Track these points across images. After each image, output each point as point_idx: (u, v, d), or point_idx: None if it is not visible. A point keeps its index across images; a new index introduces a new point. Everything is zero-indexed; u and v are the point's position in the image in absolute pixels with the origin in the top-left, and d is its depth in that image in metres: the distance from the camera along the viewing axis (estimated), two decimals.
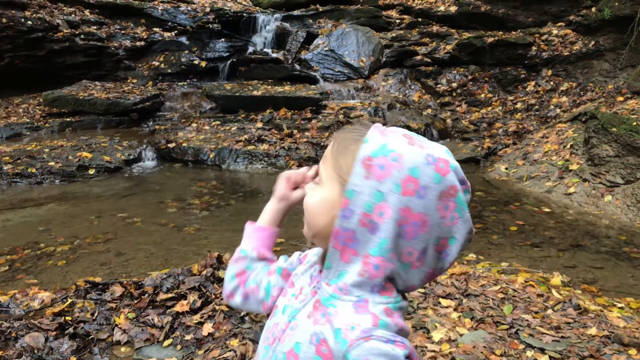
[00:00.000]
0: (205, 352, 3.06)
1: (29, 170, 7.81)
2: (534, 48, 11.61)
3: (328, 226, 1.05)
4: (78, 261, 4.92)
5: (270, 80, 11.74)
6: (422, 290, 3.81)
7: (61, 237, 5.51)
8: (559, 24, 12.03)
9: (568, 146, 7.59)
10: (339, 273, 1.06)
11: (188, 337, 3.22)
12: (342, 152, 1.04)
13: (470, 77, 11.84)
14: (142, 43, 12.61)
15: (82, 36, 11.84)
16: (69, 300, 3.64)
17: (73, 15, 12.27)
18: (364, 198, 0.99)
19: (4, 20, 10.72)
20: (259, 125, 9.67)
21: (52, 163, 8.03)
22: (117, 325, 3.35)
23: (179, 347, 3.15)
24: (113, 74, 12.26)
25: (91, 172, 8.09)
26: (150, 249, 5.20)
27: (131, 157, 8.73)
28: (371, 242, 1.01)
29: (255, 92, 10.57)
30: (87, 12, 12.72)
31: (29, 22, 11.08)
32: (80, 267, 4.76)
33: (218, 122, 10.09)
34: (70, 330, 3.26)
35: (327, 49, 12.31)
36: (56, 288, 3.97)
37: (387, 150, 0.99)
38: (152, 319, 3.40)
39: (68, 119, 10.15)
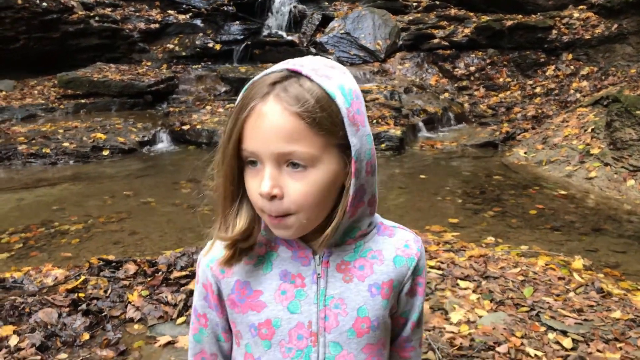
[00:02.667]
0: None
1: (44, 151, 7.80)
2: (554, 31, 11.38)
3: (332, 200, 1.00)
4: (91, 240, 4.89)
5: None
6: (440, 272, 3.74)
7: (75, 216, 5.49)
8: (581, 7, 11.76)
9: (589, 130, 7.43)
10: (346, 231, 1.04)
11: None
12: (325, 120, 0.94)
13: (488, 61, 11.65)
14: (157, 25, 12.55)
15: (96, 18, 11.80)
16: (82, 278, 3.61)
17: None
18: (364, 149, 0.99)
19: (19, 1, 10.70)
20: None
21: (66, 144, 8.02)
22: (130, 303, 3.31)
23: None
24: (127, 57, 12.22)
25: (105, 153, 8.07)
26: (164, 229, 5.16)
27: (145, 138, 8.70)
28: (373, 182, 1.04)
29: None
30: None
31: (44, 4, 11.04)
32: (94, 245, 4.73)
33: (232, 105, 9.93)
34: (83, 306, 3.22)
35: (342, 31, 12.16)
36: (69, 265, 3.95)
37: (348, 92, 0.98)
38: (166, 297, 3.36)
39: (82, 101, 10.13)
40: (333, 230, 1.00)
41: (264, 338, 1.05)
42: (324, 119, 0.94)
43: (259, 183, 0.95)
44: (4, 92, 10.70)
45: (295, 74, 0.96)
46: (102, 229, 5.16)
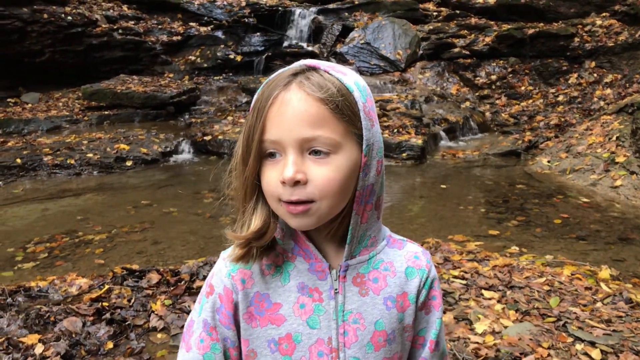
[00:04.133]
0: None
1: (68, 162, 7.91)
2: (576, 39, 11.28)
3: (349, 195, 1.00)
4: (115, 249, 4.93)
5: None
6: (464, 282, 3.70)
7: (99, 226, 5.54)
8: (603, 14, 11.65)
9: (614, 138, 7.32)
10: (360, 238, 1.04)
11: None
12: (346, 107, 0.96)
13: (510, 70, 11.57)
14: (179, 38, 12.70)
15: (120, 31, 11.98)
16: (106, 287, 3.64)
17: (111, 11, 12.43)
18: (376, 146, 1.00)
19: (45, 15, 10.91)
20: None
21: (90, 155, 8.13)
22: (153, 312, 3.32)
23: None
24: (150, 69, 12.38)
25: (128, 163, 8.15)
26: (187, 238, 5.19)
27: (168, 149, 8.78)
28: (382, 184, 1.04)
29: None
30: (124, 7, 12.88)
31: (69, 18, 11.25)
32: (117, 255, 4.77)
33: None
34: (107, 315, 3.24)
35: (362, 42, 12.18)
36: (93, 275, 3.98)
37: (363, 89, 1.00)
38: (188, 306, 3.37)
39: (106, 112, 10.28)
40: (340, 223, 1.01)
41: (284, 354, 1.02)
42: (345, 106, 0.95)
43: (280, 172, 0.95)
44: (29, 105, 10.90)
45: (313, 68, 0.98)
46: (125, 239, 5.20)
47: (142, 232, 5.41)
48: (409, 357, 1.18)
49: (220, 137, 9.03)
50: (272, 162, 0.97)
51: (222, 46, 12.69)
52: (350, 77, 0.98)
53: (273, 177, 0.96)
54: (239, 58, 12.45)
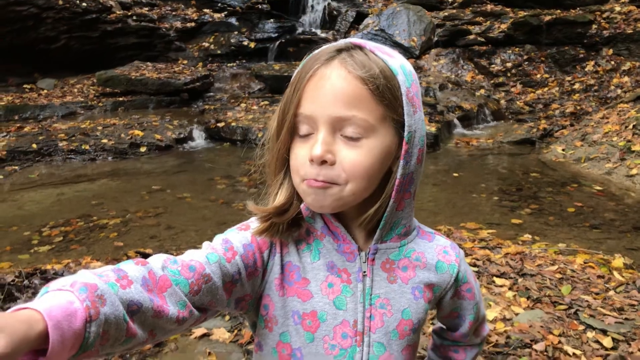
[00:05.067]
0: None
1: (83, 147, 7.98)
2: (594, 26, 11.12)
3: (376, 182, 0.98)
4: (129, 234, 4.98)
5: None
6: (475, 269, 3.69)
7: (113, 211, 5.60)
8: (622, 0, 11.46)
9: (630, 126, 7.23)
10: (392, 225, 1.02)
11: None
12: (387, 91, 0.92)
13: (525, 57, 11.45)
14: (193, 24, 12.71)
15: (134, 17, 12.01)
16: None
17: None
18: (418, 134, 0.97)
19: (60, 2, 10.96)
20: None
21: (105, 140, 8.19)
22: None
23: (227, 317, 3.13)
24: (164, 55, 12.41)
25: (142, 149, 8.21)
26: (200, 224, 5.22)
27: (181, 135, 8.82)
28: (420, 174, 1.01)
29: None
30: None
31: (84, 4, 11.29)
32: (131, 239, 4.81)
33: (266, 102, 10.09)
34: None
35: (377, 28, 12.11)
36: (108, 259, 4.02)
37: (409, 73, 0.97)
38: None
39: (120, 99, 10.34)
40: (376, 211, 0.98)
41: (307, 329, 1.01)
42: (386, 89, 0.92)
43: (309, 149, 0.92)
44: (45, 91, 10.99)
45: (359, 47, 0.95)
46: (139, 224, 5.25)
47: (156, 217, 5.46)
48: (446, 324, 1.23)
49: (233, 124, 9.05)
50: (303, 138, 0.95)
51: (236, 33, 12.68)
52: (396, 60, 0.95)
53: (301, 154, 0.94)
54: (252, 45, 12.44)
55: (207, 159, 8.19)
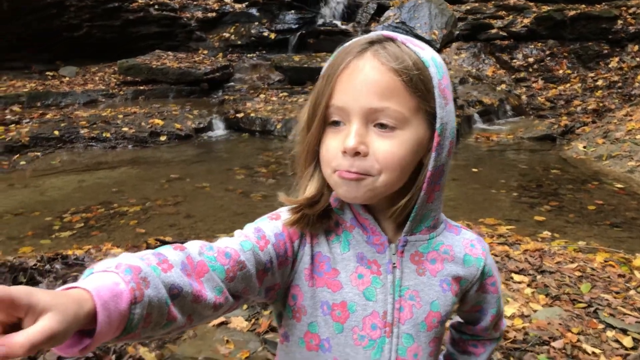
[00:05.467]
0: (270, 312, 3.06)
1: (104, 135, 8.06)
2: (619, 22, 10.94)
3: (408, 174, 0.98)
4: (148, 221, 5.03)
5: None
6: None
7: (133, 199, 5.66)
8: None
9: None
10: (422, 217, 1.02)
11: None
12: (420, 82, 0.93)
13: (548, 52, 11.31)
14: (214, 14, 12.74)
15: (155, 7, 12.07)
16: None
17: None
18: (450, 126, 0.97)
19: None
20: None
21: (125, 129, 8.26)
22: None
23: (244, 306, 3.16)
24: (185, 45, 12.46)
25: (162, 138, 8.27)
26: (218, 213, 5.26)
27: (201, 125, 8.87)
28: (449, 167, 1.01)
29: (323, 64, 10.38)
30: None
31: None
32: (151, 227, 4.86)
33: (286, 94, 10.10)
34: None
35: (398, 20, 12.04)
36: (128, 245, 4.07)
37: (440, 66, 0.97)
38: None
39: (141, 87, 10.41)
40: (406, 203, 0.98)
41: (336, 320, 1.01)
42: (419, 81, 0.92)
43: (341, 141, 0.93)
44: (67, 78, 11.10)
45: (390, 39, 0.95)
46: (158, 212, 5.30)
47: (175, 205, 5.51)
48: (467, 318, 1.24)
49: (252, 114, 9.07)
50: (334, 129, 0.95)
51: (256, 23, 12.68)
52: (427, 52, 0.96)
53: (333, 145, 0.94)
54: (272, 36, 12.43)
55: (226, 149, 8.24)
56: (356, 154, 0.91)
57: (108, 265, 0.74)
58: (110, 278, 0.71)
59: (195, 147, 8.21)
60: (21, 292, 0.62)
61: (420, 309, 1.03)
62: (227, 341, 2.87)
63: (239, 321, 3.04)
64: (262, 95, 10.17)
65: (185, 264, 0.83)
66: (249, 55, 12.31)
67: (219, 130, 9.08)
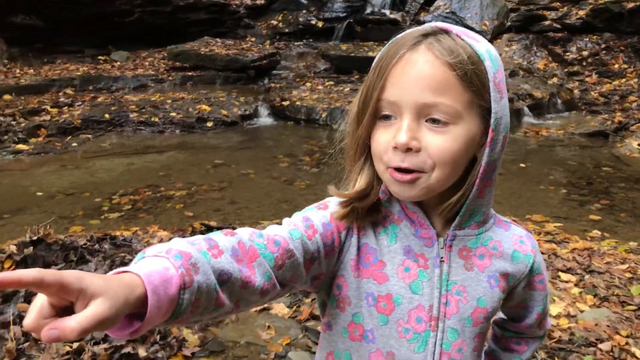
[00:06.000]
0: (312, 300, 3.07)
1: (152, 120, 8.22)
2: None
3: (460, 170, 0.96)
4: (194, 206, 5.12)
5: (386, 42, 11.49)
6: None
7: (179, 183, 5.76)
8: None
9: None
10: (472, 212, 1.01)
11: None
12: (475, 77, 0.90)
13: (603, 46, 10.94)
14: (262, 2, 12.81)
15: None
16: None
17: None
18: (504, 120, 0.95)
19: None
20: None
21: (173, 114, 8.40)
22: None
23: (287, 293, 3.18)
24: (233, 32, 12.57)
25: (209, 124, 8.37)
26: (262, 200, 5.30)
27: (247, 112, 8.94)
28: (501, 161, 0.99)
29: (370, 53, 10.42)
30: None
31: None
32: (196, 211, 4.94)
33: (332, 83, 10.08)
34: None
35: (448, 10, 11.85)
36: (174, 228, 4.15)
37: (495, 59, 0.94)
38: None
39: (189, 73, 10.57)
40: (458, 199, 0.97)
41: (381, 312, 1.01)
42: (474, 75, 0.90)
43: (392, 136, 0.91)
44: (118, 63, 11.35)
45: (445, 31, 0.93)
46: (204, 197, 5.39)
47: (220, 191, 5.58)
48: (512, 315, 1.22)
49: (298, 103, 9.10)
50: (385, 124, 0.94)
51: (304, 11, 12.68)
52: (482, 45, 0.93)
53: (384, 140, 0.93)
54: (320, 24, 12.41)
55: (271, 136, 8.30)
56: (408, 150, 0.90)
57: (159, 250, 0.75)
58: (161, 263, 0.72)
59: (240, 133, 8.29)
60: (72, 276, 0.63)
61: (467, 304, 1.02)
62: (269, 327, 2.90)
63: (280, 308, 3.06)
64: (308, 84, 10.19)
65: (236, 249, 0.84)
66: (295, 43, 12.34)
67: (264, 117, 9.14)
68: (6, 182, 5.97)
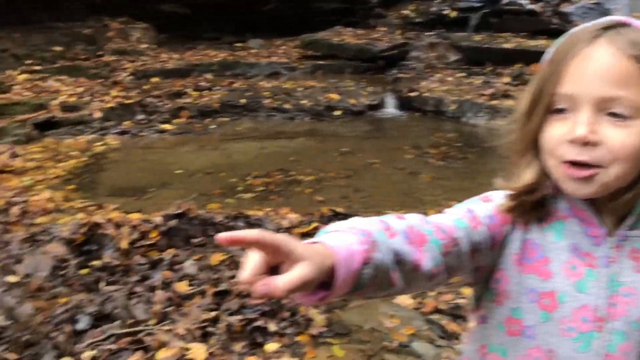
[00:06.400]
0: (437, 293, 3.10)
1: (284, 106, 8.54)
2: None
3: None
4: (322, 191, 5.28)
5: (523, 34, 11.04)
6: None
7: (308, 169, 5.95)
8: None
9: None
10: None
11: None
12: None
13: None
14: None
15: None
16: (314, 224, 3.95)
17: None
18: None
19: None
20: (506, 80, 9.20)
21: (304, 101, 8.67)
22: None
23: (449, 281, 3.22)
24: (364, 21, 12.63)
25: (337, 113, 8.54)
26: (387, 190, 5.36)
27: (374, 102, 8.99)
28: None
29: (505, 45, 10.07)
30: None
31: None
32: (324, 196, 5.09)
33: (463, 74, 9.87)
34: None
35: (593, 2, 11.13)
36: (303, 212, 4.32)
37: None
38: None
39: (320, 62, 10.77)
40: (633, 198, 0.94)
41: (543, 308, 1.00)
42: None
43: (568, 129, 0.92)
44: (253, 50, 11.84)
45: (625, 24, 0.93)
46: (331, 183, 5.54)
47: (346, 178, 5.71)
48: None
49: (426, 94, 9.01)
50: (559, 117, 0.94)
51: (438, 1, 12.47)
52: None
53: (558, 133, 0.94)
54: (453, 14, 12.13)
55: (397, 127, 8.30)
56: (585, 143, 0.90)
57: (341, 227, 0.83)
58: (347, 238, 0.79)
59: (367, 123, 8.37)
60: (284, 240, 0.72)
61: (635, 307, 0.98)
62: (392, 316, 2.97)
63: (404, 298, 3.12)
64: (437, 75, 10.03)
65: (407, 233, 0.89)
66: (426, 33, 12.15)
67: (391, 107, 9.14)
68: (152, 159, 6.51)
